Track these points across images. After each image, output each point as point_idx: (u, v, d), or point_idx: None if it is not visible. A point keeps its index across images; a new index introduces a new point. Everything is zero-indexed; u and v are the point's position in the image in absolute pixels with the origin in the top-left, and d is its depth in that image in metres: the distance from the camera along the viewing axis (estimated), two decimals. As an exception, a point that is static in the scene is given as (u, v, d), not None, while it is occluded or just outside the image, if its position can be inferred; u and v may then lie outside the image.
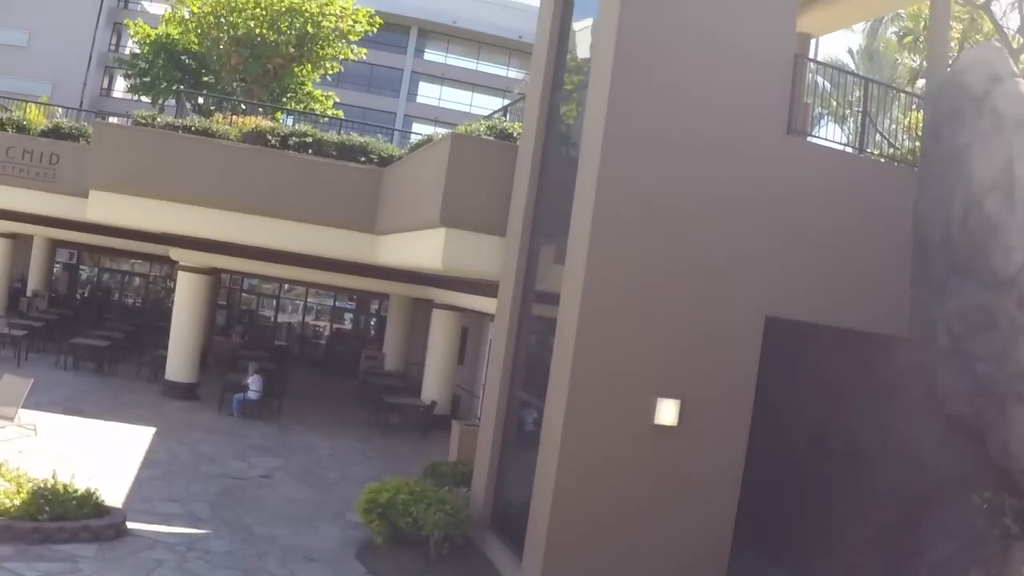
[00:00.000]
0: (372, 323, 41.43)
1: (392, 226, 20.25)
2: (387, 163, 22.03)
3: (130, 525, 13.50)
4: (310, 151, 22.92)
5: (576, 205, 12.78)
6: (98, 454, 17.60)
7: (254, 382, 23.86)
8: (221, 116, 24.92)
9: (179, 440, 19.86)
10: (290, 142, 22.96)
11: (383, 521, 13.99)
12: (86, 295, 43.86)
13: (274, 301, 43.06)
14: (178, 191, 21.77)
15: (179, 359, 25.18)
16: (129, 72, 41.23)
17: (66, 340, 28.02)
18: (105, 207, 22.26)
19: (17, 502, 12.59)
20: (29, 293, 37.13)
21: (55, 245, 38.83)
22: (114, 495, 14.64)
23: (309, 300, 42.35)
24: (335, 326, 42.33)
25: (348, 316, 43.21)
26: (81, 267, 44.97)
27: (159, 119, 23.88)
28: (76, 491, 13.18)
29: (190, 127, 23.02)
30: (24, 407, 19.02)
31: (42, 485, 13.13)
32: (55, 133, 27.92)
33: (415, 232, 18.19)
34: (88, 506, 13.02)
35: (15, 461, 14.60)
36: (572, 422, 12.09)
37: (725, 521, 12.57)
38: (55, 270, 42.09)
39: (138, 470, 16.93)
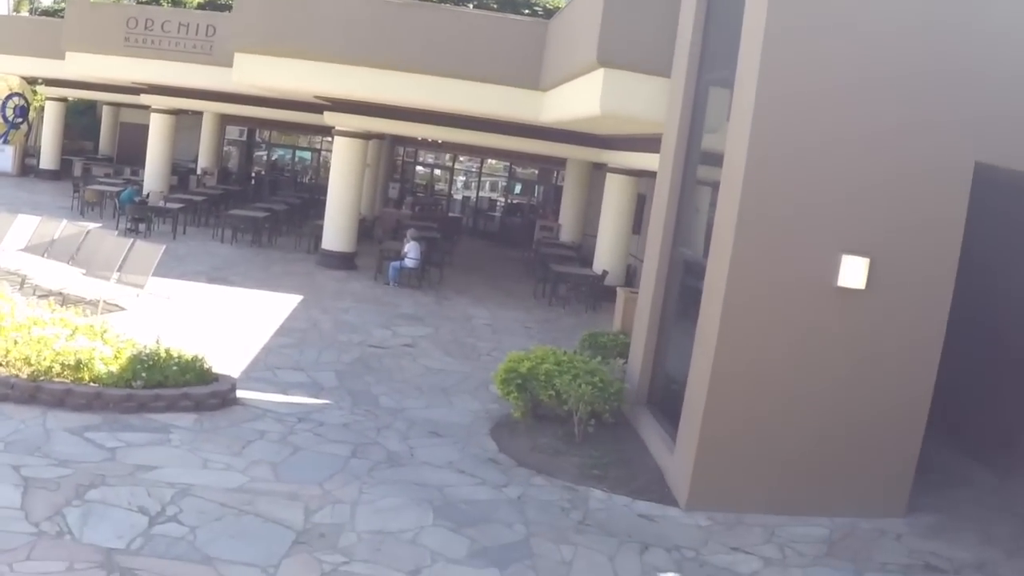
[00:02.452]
0: (549, 195, 39.64)
1: (554, 79, 18.44)
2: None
3: (242, 394, 12.21)
4: (470, 5, 21.21)
5: (746, 24, 10.42)
6: (231, 321, 16.56)
7: (411, 249, 22.46)
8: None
9: (323, 308, 18.66)
10: (448, -5, 21.35)
11: (523, 393, 12.20)
12: (261, 173, 43.49)
13: (448, 174, 41.79)
14: (327, 50, 20.55)
15: (336, 227, 24.04)
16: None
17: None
18: (251, 69, 21.26)
19: (115, 368, 11.43)
20: (199, 171, 36.90)
21: (224, 122, 38.47)
22: (233, 363, 13.47)
23: (484, 173, 40.89)
24: (510, 199, 40.76)
25: (523, 188, 41.55)
26: (256, 145, 44.72)
27: (308, -24, 22.48)
28: (180, 356, 11.96)
29: (339, -18, 21.58)
30: (168, 277, 18.41)
31: (143, 350, 11.95)
32: (211, 4, 27.01)
33: (574, 81, 16.55)
34: (191, 372, 11.77)
35: (136, 329, 13.52)
36: (736, 283, 9.92)
37: (917, 407, 10.22)
38: (224, 148, 41.90)
39: (270, 338, 15.73)
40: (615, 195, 24.16)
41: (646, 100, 14.11)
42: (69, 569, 7.25)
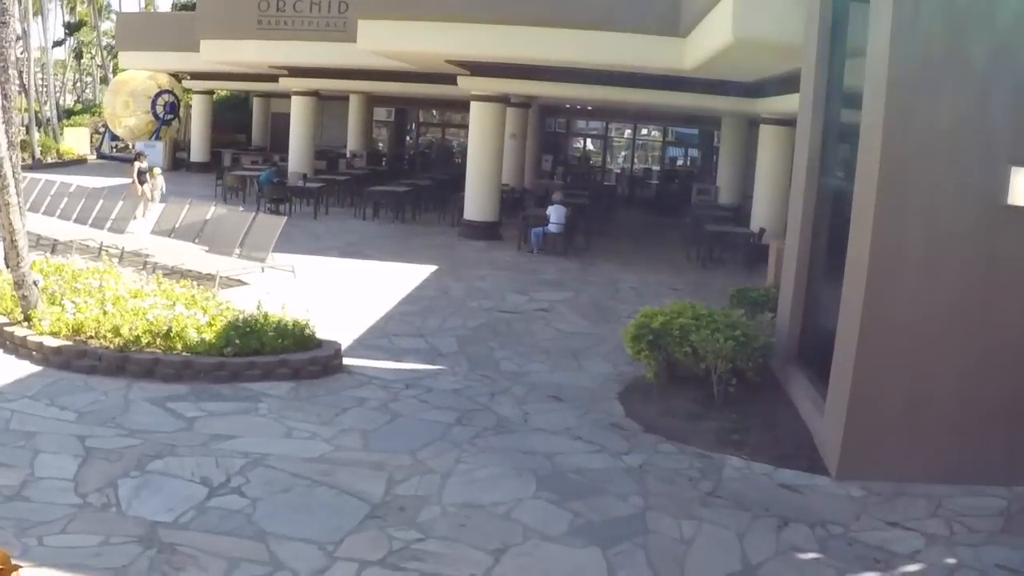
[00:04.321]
0: (705, 159, 37.90)
1: (691, 20, 16.98)
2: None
3: (350, 362, 11.34)
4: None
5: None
6: (356, 292, 15.81)
7: (555, 212, 21.28)
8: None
9: (458, 277, 17.72)
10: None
11: (655, 352, 10.86)
12: (412, 153, 43.04)
13: (602, 144, 40.47)
14: (452, 9, 19.65)
15: (476, 196, 23.12)
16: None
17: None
18: (375, 35, 20.51)
19: (208, 336, 10.66)
20: (348, 154, 36.62)
21: (371, 104, 38.04)
22: (349, 331, 12.66)
23: (639, 141, 39.41)
24: (666, 166, 39.15)
25: (679, 154, 39.85)
26: (407, 128, 44.36)
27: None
28: (280, 322, 11.10)
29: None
30: (300, 253, 18.14)
31: (239, 316, 11.14)
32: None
33: (708, 16, 15.17)
34: (288, 338, 10.89)
35: (252, 301, 12.61)
36: (886, 205, 8.35)
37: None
38: (374, 131, 41.60)
39: (393, 306, 14.86)
40: (769, 147, 22.48)
41: (782, 20, 12.61)
42: (103, 544, 6.42)
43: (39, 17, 46.24)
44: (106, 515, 6.88)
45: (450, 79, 24.69)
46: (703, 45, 15.93)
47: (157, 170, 25.65)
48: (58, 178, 22.89)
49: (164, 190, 24.77)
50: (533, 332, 13.91)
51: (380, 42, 20.55)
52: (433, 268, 18.39)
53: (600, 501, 7.76)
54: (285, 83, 30.91)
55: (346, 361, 11.29)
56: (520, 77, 22.21)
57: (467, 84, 22.89)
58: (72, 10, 73.13)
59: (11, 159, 11.22)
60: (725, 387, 10.45)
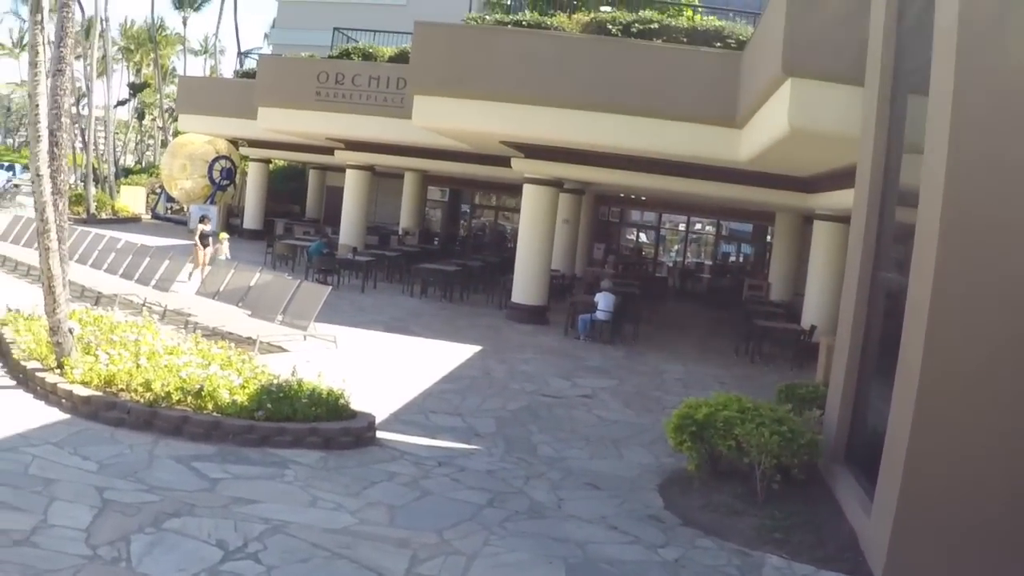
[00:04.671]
0: (758, 254, 37.71)
1: (747, 110, 16.85)
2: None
3: (384, 435, 11.08)
4: (657, 39, 19.99)
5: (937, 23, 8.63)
6: (397, 367, 15.55)
7: (603, 299, 20.98)
8: (561, 14, 22.50)
9: (501, 359, 17.42)
10: (633, 30, 20.16)
11: (698, 444, 10.53)
12: (465, 234, 43.13)
13: (655, 235, 40.42)
14: (508, 90, 19.77)
15: (525, 279, 22.90)
16: (496, 8, 39.96)
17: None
18: (430, 112, 20.56)
19: (240, 399, 10.46)
20: (400, 231, 36.70)
21: (425, 182, 38.18)
22: (385, 405, 12.40)
23: (692, 234, 39.33)
24: (719, 259, 39.03)
25: (732, 248, 39.71)
26: (461, 209, 44.55)
27: (488, 18, 21.88)
28: (315, 389, 10.89)
29: (521, 22, 20.80)
30: (345, 325, 18.01)
31: (273, 380, 10.95)
32: (401, 58, 26.74)
33: (763, 106, 15.07)
34: (321, 406, 10.65)
35: (288, 367, 12.44)
36: (940, 307, 8.00)
37: None
38: (427, 210, 41.79)
39: (433, 383, 14.59)
40: (823, 244, 22.12)
41: (838, 110, 12.43)
42: (109, 602, 6.16)
43: (104, 77, 47.26)
44: (115, 569, 6.67)
45: (504, 161, 24.70)
46: (759, 135, 15.78)
47: (224, 235, 25.71)
48: (108, 233, 23.05)
49: (228, 256, 24.57)
50: (574, 418, 13.56)
51: (435, 119, 20.63)
52: (477, 348, 18.13)
53: (631, 594, 7.39)
54: (341, 156, 31.19)
55: (380, 434, 11.04)
56: (573, 162, 22.13)
57: (521, 166, 22.88)
58: (138, 72, 75.11)
59: (57, 207, 11.22)
60: (769, 483, 10.06)
